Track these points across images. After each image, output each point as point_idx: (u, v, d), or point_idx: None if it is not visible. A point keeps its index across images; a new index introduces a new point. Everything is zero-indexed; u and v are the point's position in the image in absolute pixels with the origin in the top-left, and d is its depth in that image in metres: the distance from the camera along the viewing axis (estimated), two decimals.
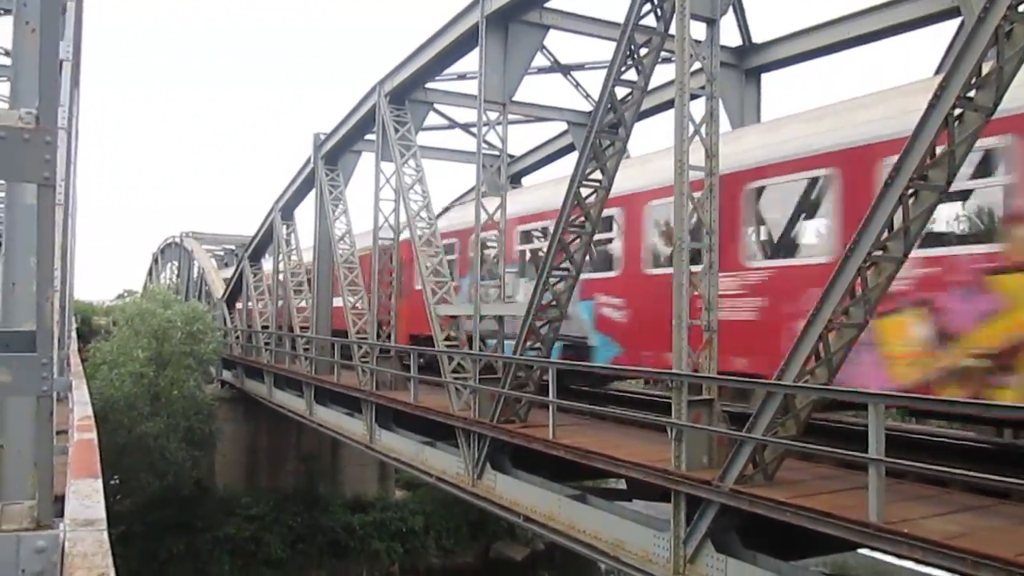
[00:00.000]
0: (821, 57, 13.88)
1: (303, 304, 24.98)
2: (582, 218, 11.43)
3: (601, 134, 11.06)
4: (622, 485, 12.88)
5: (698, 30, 10.03)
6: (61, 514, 4.72)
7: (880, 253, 7.41)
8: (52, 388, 3.85)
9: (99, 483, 4.66)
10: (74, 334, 23.13)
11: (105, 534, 3.82)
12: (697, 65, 9.92)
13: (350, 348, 19.15)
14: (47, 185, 3.50)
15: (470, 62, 15.65)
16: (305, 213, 26.27)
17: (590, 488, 12.04)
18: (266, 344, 27.16)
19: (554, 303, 11.81)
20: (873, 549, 7.01)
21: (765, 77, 15.12)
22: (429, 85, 17.41)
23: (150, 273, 57.89)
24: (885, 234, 7.37)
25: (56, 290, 4.15)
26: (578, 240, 11.53)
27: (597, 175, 11.28)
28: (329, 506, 28.98)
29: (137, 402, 25.61)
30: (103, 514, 4.15)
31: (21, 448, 4.76)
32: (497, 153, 14.52)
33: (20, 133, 3.07)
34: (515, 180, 21.41)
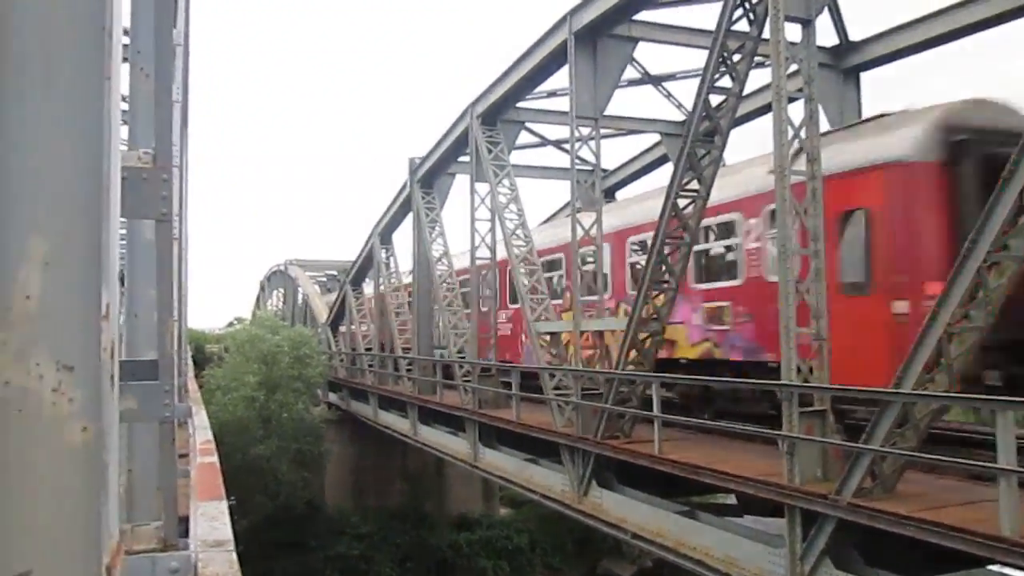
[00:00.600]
0: (923, 52, 13.35)
1: (404, 325, 25.43)
2: (680, 229, 11.26)
3: (696, 143, 10.89)
4: (731, 500, 12.56)
5: (793, 32, 9.79)
6: (185, 534, 4.90)
7: (1001, 253, 7.01)
8: (173, 414, 3.98)
9: (224, 504, 4.81)
10: (190, 361, 24.11)
11: (234, 554, 3.94)
12: (793, 67, 9.67)
13: (451, 368, 19.35)
14: (164, 220, 3.63)
15: (560, 79, 15.71)
16: (403, 236, 26.81)
17: (698, 504, 11.78)
18: (370, 366, 27.72)
19: (655, 316, 11.65)
20: (1006, 565, 6.61)
21: (865, 76, 14.64)
22: (520, 104, 17.53)
23: (258, 300, 59.93)
24: (1006, 231, 6.97)
25: (174, 320, 4.32)
26: (677, 252, 11.36)
27: (694, 185, 11.11)
28: (435, 524, 29.22)
29: (250, 425, 26.51)
30: (231, 535, 4.27)
31: (147, 472, 4.96)
32: (590, 168, 14.48)
33: (139, 173, 3.20)
34: (609, 194, 21.30)
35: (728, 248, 12.96)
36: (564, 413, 13.84)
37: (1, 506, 1.50)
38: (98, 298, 1.55)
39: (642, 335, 11.77)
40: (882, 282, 9.77)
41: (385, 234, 27.04)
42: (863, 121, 12.18)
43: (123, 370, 1.74)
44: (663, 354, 12.98)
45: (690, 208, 11.18)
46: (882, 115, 11.45)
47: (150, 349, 4.60)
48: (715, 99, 10.79)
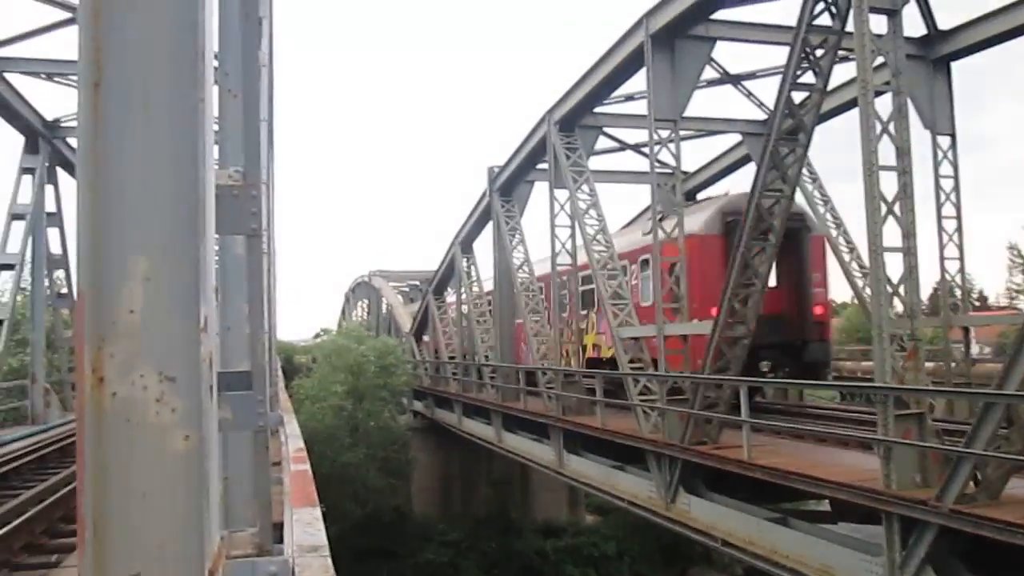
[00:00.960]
0: (1018, 38, 12.79)
1: (487, 333, 25.62)
2: (765, 229, 11.04)
3: (780, 142, 10.67)
4: (824, 507, 12.23)
5: (878, 23, 9.51)
6: (280, 540, 5.03)
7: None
8: (267, 423, 4.10)
9: (318, 511, 4.93)
10: (280, 372, 24.78)
11: (329, 559, 4.03)
12: (880, 60, 9.39)
13: (535, 375, 19.39)
14: (255, 235, 3.74)
15: (638, 82, 15.61)
16: (484, 245, 27.04)
17: (790, 510, 11.50)
18: (453, 374, 27.98)
19: (740, 320, 11.45)
20: None
21: (956, 65, 14.12)
22: (597, 110, 17.49)
23: (343, 311, 61.18)
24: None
25: (265, 332, 4.45)
26: (762, 252, 11.14)
27: (778, 184, 10.88)
28: (522, 531, 29.26)
29: (338, 434, 27.05)
30: (325, 540, 4.38)
31: (242, 480, 5.12)
32: (670, 171, 14.33)
33: (230, 190, 3.32)
34: (690, 196, 21.04)
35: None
36: (650, 419, 13.71)
37: (111, 512, 1.58)
38: (196, 312, 1.62)
39: (727, 339, 11.58)
40: (689, 306, 13.98)
41: (466, 243, 27.29)
42: (696, 202, 19.11)
43: (218, 381, 1.82)
44: (593, 354, 19.55)
45: (775, 208, 10.95)
46: (707, 199, 18.65)
47: (243, 360, 4.74)
48: (798, 96, 10.56)
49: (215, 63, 5.09)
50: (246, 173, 3.64)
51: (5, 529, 7.53)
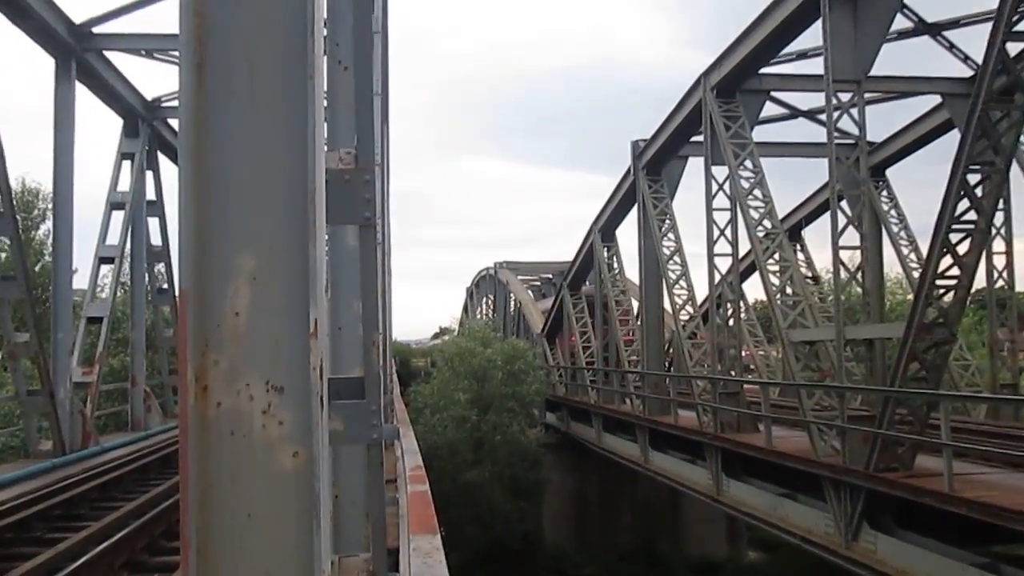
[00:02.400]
0: None
1: (631, 335, 25.50)
2: (972, 212, 10.51)
3: (990, 104, 10.13)
4: None
5: None
6: (395, 568, 5.16)
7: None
8: (381, 436, 4.22)
9: (438, 539, 5.03)
10: (395, 378, 25.43)
11: None
12: None
13: (688, 384, 19.20)
14: (368, 225, 3.85)
15: (812, 37, 15.16)
16: (629, 231, 26.94)
17: (1003, 555, 10.93)
18: (592, 382, 28.00)
19: (940, 320, 10.95)
20: None
21: None
22: (763, 71, 17.10)
23: (465, 309, 62.23)
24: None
25: (380, 333, 4.59)
26: (968, 240, 10.62)
27: (989, 156, 10.34)
28: (672, 567, 28.94)
29: (460, 448, 27.57)
30: (446, 573, 4.46)
31: (354, 499, 5.29)
32: (852, 141, 13.87)
33: (341, 175, 3.43)
34: (878, 172, 20.24)
35: None
36: (827, 439, 13.32)
37: (215, 533, 1.67)
38: (306, 314, 1.69)
39: (924, 344, 11.09)
40: None
41: (607, 230, 27.25)
42: None
43: (328, 389, 1.89)
44: None
45: (985, 185, 10.41)
46: None
47: (355, 365, 4.90)
48: (1014, 47, 10.00)
49: (323, 32, 5.27)
50: (358, 154, 3.75)
51: (105, 544, 8.06)
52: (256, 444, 1.66)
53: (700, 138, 18.93)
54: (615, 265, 27.43)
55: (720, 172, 18.00)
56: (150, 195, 19.65)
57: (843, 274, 14.42)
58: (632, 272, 26.43)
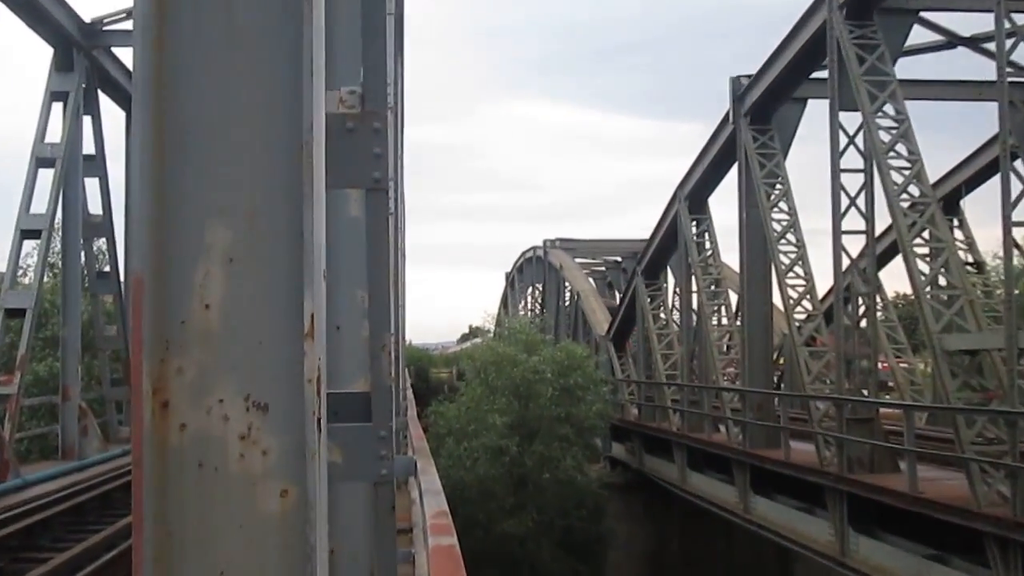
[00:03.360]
0: None
1: (727, 340, 25.37)
2: None
3: None
4: None
5: None
6: None
7: None
8: (392, 471, 4.23)
9: None
10: (410, 394, 25.44)
11: None
12: None
13: (805, 407, 19.06)
14: (378, 189, 3.84)
15: None
16: (726, 201, 26.69)
17: None
18: (674, 402, 27.88)
19: None
20: None
21: None
22: None
23: (504, 302, 62.19)
24: None
25: (391, 333, 4.61)
26: None
27: None
28: None
29: (495, 488, 27.55)
30: None
31: (356, 554, 5.31)
32: None
33: (343, 122, 3.40)
34: None
35: None
36: (991, 482, 13.19)
37: None
38: (299, 307, 1.69)
39: None
40: None
41: (696, 198, 27.11)
42: None
43: (326, 408, 1.89)
44: None
45: None
46: None
47: (357, 377, 4.90)
48: None
49: None
50: (365, 95, 3.74)
51: None
52: (232, 480, 1.66)
53: (823, 74, 18.75)
54: (707, 245, 27.25)
55: (851, 120, 17.83)
56: (88, 148, 19.44)
57: (1017, 259, 14.26)
58: (730, 256, 26.28)
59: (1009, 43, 13.43)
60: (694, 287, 27.20)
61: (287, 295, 1.69)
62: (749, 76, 22.33)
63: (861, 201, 17.88)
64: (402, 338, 16.18)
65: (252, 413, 1.67)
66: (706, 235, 27.32)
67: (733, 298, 26.79)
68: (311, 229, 1.71)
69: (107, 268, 21.53)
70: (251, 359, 1.68)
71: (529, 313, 53.07)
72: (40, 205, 17.61)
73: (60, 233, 19.45)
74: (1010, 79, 13.64)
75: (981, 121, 42.41)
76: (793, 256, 21.15)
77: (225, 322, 1.66)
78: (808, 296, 20.99)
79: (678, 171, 27.59)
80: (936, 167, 21.76)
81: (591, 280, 46.49)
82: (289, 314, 1.69)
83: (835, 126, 18.14)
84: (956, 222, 23.70)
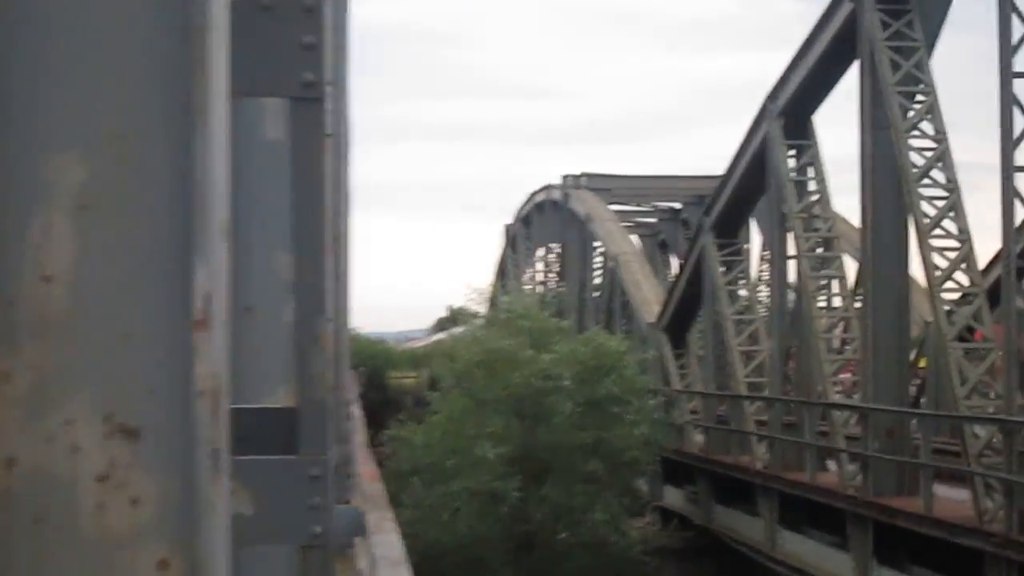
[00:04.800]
0: None
1: (842, 330, 25.39)
2: None
3: None
4: None
5: None
6: None
7: None
8: (329, 529, 4.26)
9: None
10: (357, 410, 25.43)
11: None
12: None
13: (957, 433, 19.11)
14: (309, 99, 3.88)
15: None
16: (838, 120, 26.59)
17: None
18: (760, 425, 27.97)
19: None
20: None
21: None
22: None
23: (501, 271, 62.22)
24: None
25: (328, 319, 4.61)
26: None
27: None
28: None
29: (486, 555, 27.65)
30: None
31: None
32: None
33: (254, 2, 3.44)
34: None
35: None
36: None
37: None
38: (187, 282, 1.69)
39: None
40: None
41: (795, 115, 27.10)
42: None
43: (230, 431, 1.86)
44: None
45: None
46: None
47: (277, 385, 4.92)
48: None
49: None
50: None
51: None
52: (86, 544, 1.67)
53: None
54: (812, 187, 27.27)
55: None
56: None
57: None
58: (847, 202, 26.26)
59: None
60: (791, 250, 27.19)
61: (168, 261, 1.69)
62: None
63: None
64: (346, 325, 16.14)
65: (115, 442, 1.67)
66: (810, 171, 27.33)
67: (850, 268, 26.80)
68: (204, 161, 1.71)
69: None
70: (114, 360, 1.68)
71: (540, 288, 53.02)
72: None
73: None
74: None
75: None
76: (942, 205, 21.15)
77: (75, 303, 1.66)
78: (964, 265, 20.99)
79: (769, 73, 27.57)
80: None
81: (635, 238, 46.42)
82: (171, 290, 1.68)
83: (1007, 6, 18.14)
84: None
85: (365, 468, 16.62)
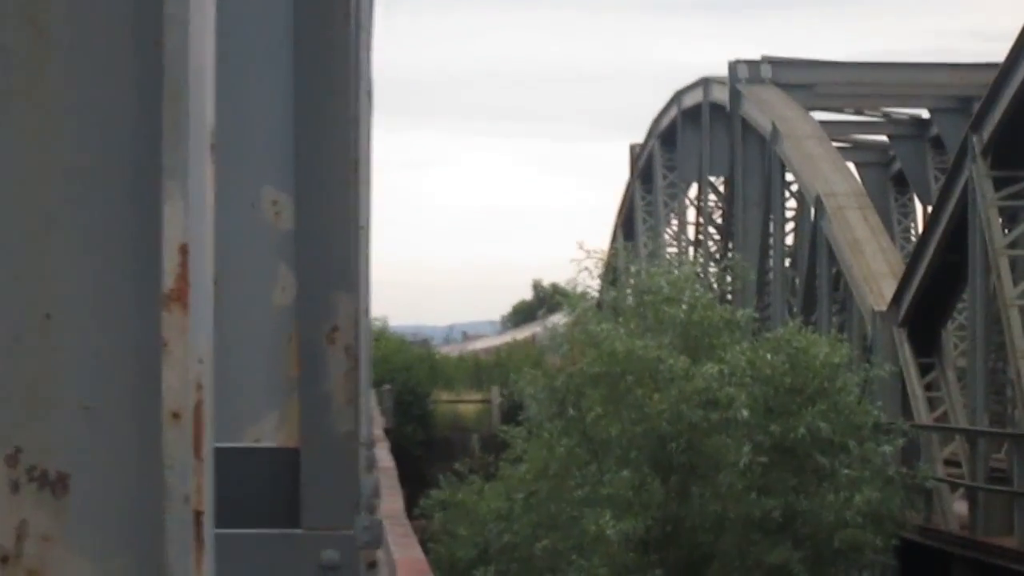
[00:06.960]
0: None
1: None
2: None
3: None
4: None
5: None
6: None
7: None
8: None
9: None
10: (385, 454, 25.71)
11: None
12: None
13: None
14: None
15: None
16: None
17: None
18: None
19: None
20: None
21: None
22: None
23: (626, 220, 62.52)
24: None
25: (355, 304, 4.66)
26: None
27: None
28: None
29: None
30: None
31: None
32: None
33: None
34: None
35: None
36: None
37: None
38: (146, 226, 1.72)
39: None
40: None
41: None
42: None
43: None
44: None
45: None
46: None
47: (263, 410, 4.89)
48: None
49: None
50: None
51: None
52: None
53: None
54: None
55: None
56: None
57: None
58: None
59: None
60: None
61: (115, 198, 1.71)
62: None
63: None
64: (367, 315, 16.14)
65: (27, 496, 1.67)
66: None
67: None
68: (175, 39, 1.75)
69: None
70: (26, 362, 1.70)
71: (693, 252, 53.15)
72: None
73: None
74: None
75: None
76: None
77: None
78: None
79: None
80: None
81: (852, 167, 46.39)
82: (127, 277, 1.69)
83: None
84: None
85: (402, 554, 16.73)
